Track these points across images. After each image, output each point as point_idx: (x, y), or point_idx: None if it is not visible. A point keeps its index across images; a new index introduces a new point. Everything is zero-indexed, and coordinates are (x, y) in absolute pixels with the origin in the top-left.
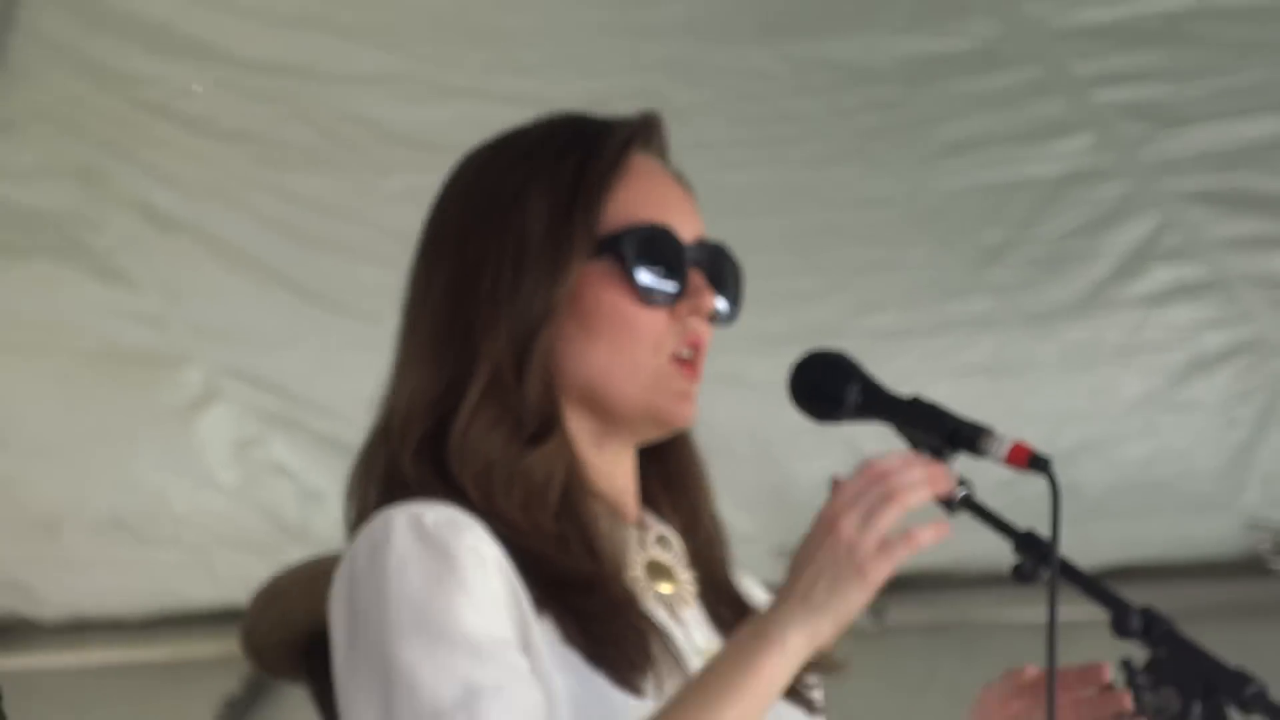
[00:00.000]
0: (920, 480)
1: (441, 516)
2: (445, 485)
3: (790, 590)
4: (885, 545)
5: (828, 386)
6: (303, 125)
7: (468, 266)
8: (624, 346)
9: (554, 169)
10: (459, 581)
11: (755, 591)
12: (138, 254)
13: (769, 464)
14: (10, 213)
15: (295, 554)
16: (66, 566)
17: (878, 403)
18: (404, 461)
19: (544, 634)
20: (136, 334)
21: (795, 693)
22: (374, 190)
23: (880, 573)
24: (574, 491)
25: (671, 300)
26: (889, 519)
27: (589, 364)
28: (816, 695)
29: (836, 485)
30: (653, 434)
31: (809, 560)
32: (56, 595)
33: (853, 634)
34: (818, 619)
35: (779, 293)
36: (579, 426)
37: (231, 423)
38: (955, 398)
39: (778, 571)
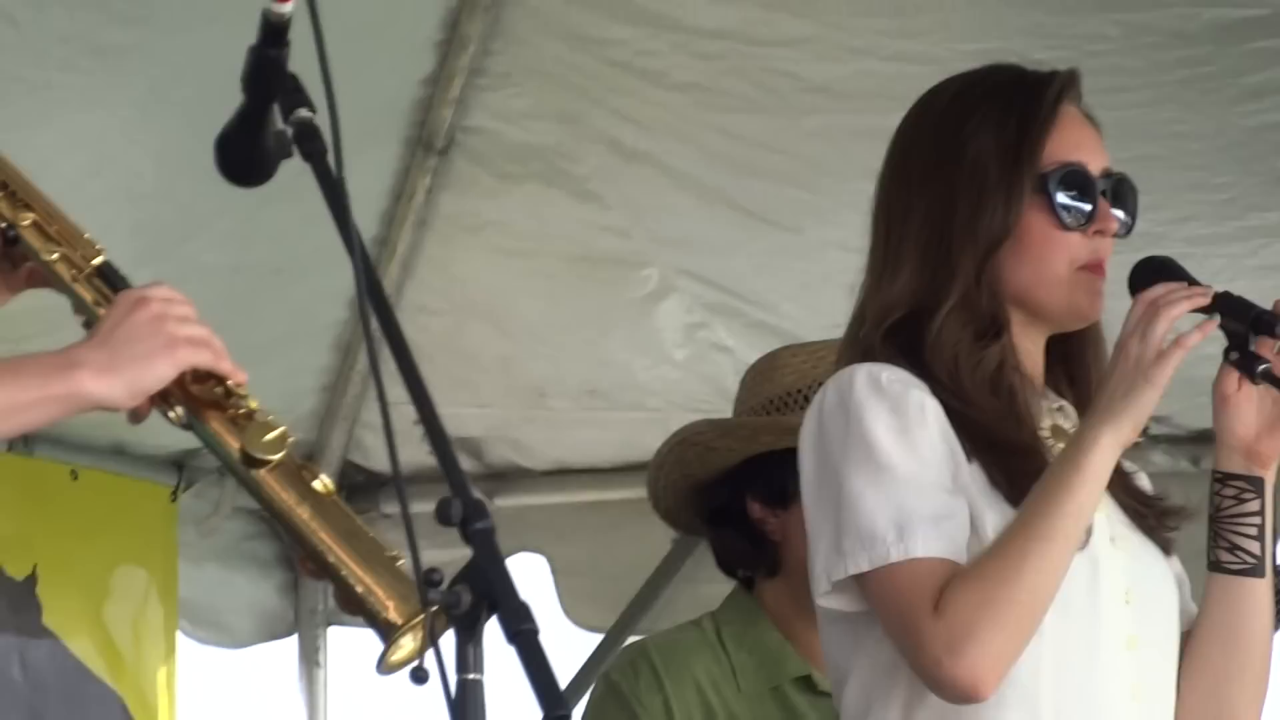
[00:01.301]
0: (1179, 297)
1: (895, 375)
2: (907, 362)
3: (1096, 405)
4: (1162, 353)
5: (1159, 283)
6: (738, 79)
7: (943, 197)
8: (1048, 261)
9: (1002, 117)
10: (906, 428)
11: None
12: (608, 180)
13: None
14: (508, 147)
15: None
16: (552, 426)
17: None
18: (874, 340)
19: (973, 476)
20: (607, 242)
21: (1158, 530)
22: (794, 128)
23: (1163, 375)
24: (1011, 373)
25: (1084, 224)
26: (1160, 331)
27: (1024, 276)
28: (1172, 535)
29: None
30: (1071, 325)
31: (1108, 378)
32: (544, 449)
33: (1178, 477)
34: (1120, 420)
35: None
36: (1015, 318)
37: (683, 312)
38: (1254, 291)
39: None
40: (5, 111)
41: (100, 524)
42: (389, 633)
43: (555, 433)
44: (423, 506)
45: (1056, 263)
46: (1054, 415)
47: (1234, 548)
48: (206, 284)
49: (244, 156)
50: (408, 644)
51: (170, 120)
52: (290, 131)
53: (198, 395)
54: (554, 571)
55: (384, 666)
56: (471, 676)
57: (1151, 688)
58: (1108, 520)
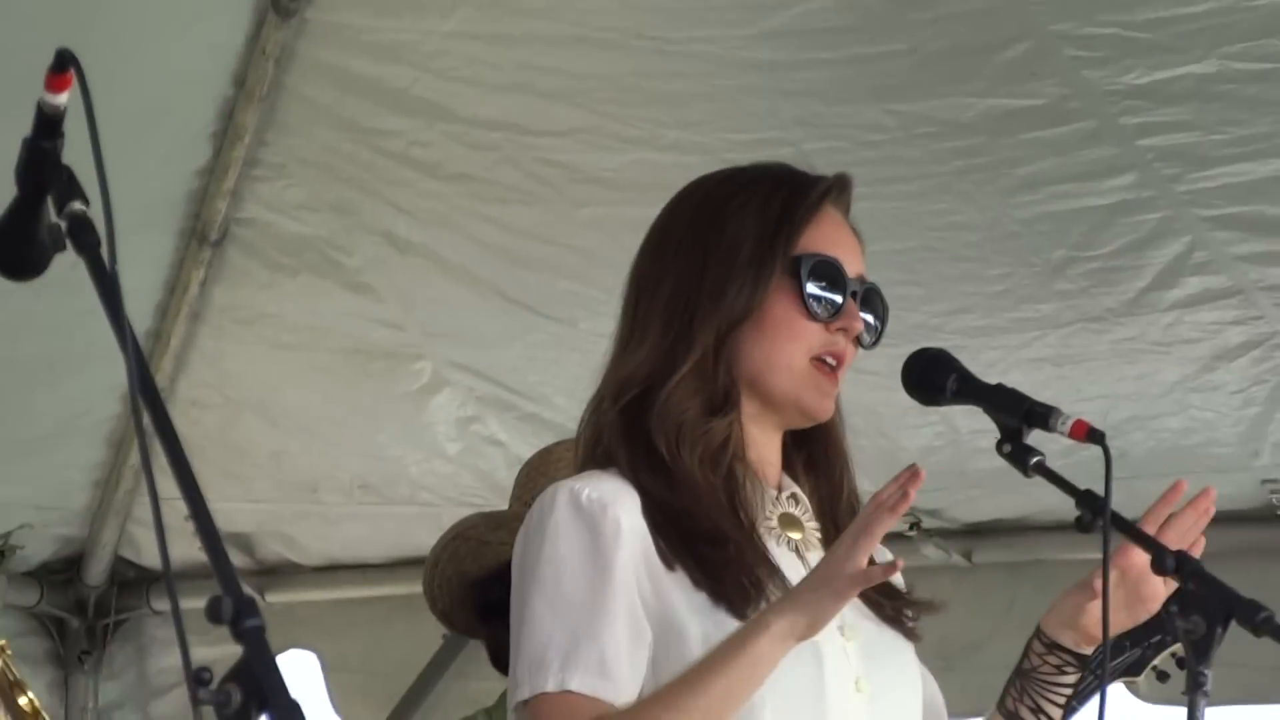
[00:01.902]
0: (887, 522)
1: (597, 492)
2: (630, 440)
3: (790, 592)
4: (860, 572)
5: (931, 377)
6: (512, 169)
7: (693, 269)
8: (784, 346)
9: (765, 203)
10: (598, 554)
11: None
12: (381, 271)
13: (881, 436)
14: (281, 238)
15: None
16: (323, 521)
17: (970, 389)
18: (610, 417)
19: (676, 583)
20: (380, 335)
21: (897, 620)
22: (568, 219)
23: (853, 593)
24: (734, 456)
25: (828, 317)
26: (868, 548)
27: (758, 357)
28: (914, 625)
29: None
30: (798, 422)
31: (813, 571)
32: (315, 544)
33: (949, 571)
34: (798, 615)
35: (889, 299)
36: (747, 405)
37: (455, 405)
38: (1028, 383)
39: None
40: None
41: None
42: None
43: (326, 528)
44: (194, 603)
45: (792, 350)
46: (785, 504)
47: (1038, 710)
48: None
49: (17, 250)
50: None
51: None
52: (64, 225)
53: None
54: (325, 668)
55: None
56: None
57: None
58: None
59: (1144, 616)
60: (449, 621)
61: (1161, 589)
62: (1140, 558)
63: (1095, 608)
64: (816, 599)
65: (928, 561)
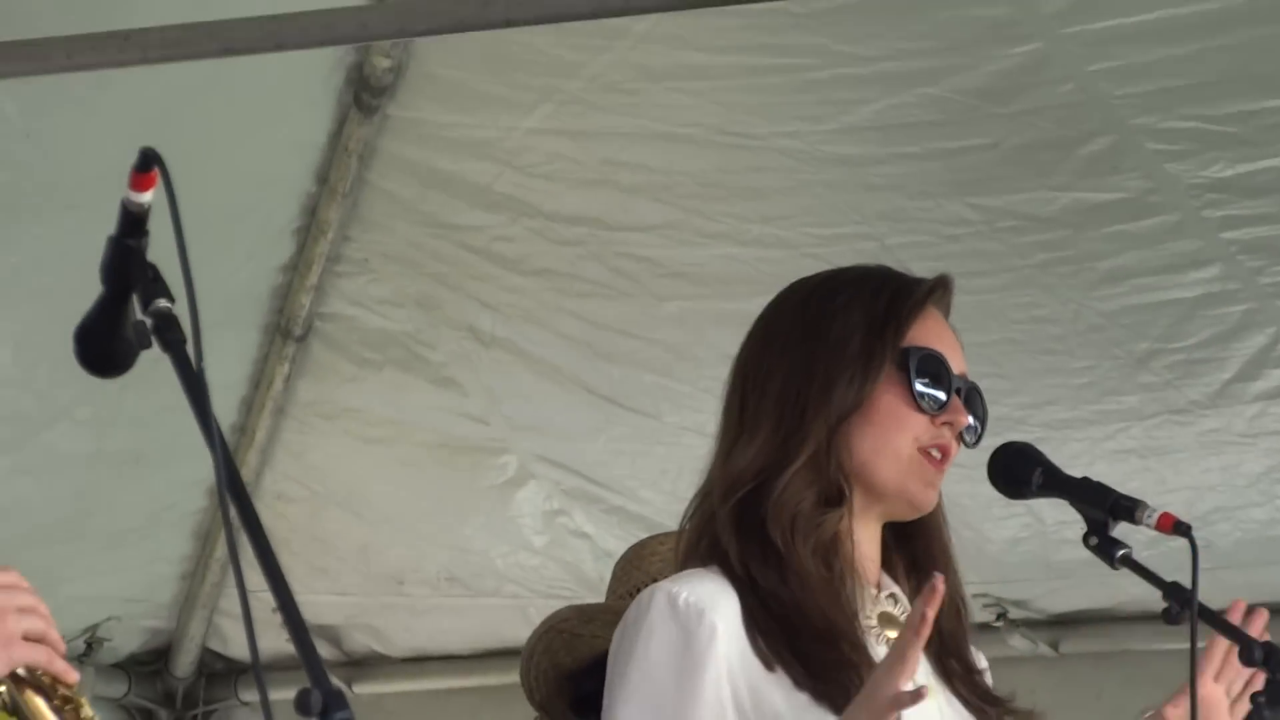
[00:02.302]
0: (915, 644)
1: (693, 596)
2: (741, 534)
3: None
4: (892, 697)
5: (1016, 470)
6: (596, 263)
7: (802, 365)
8: (893, 437)
9: (872, 299)
10: (690, 664)
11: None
12: (466, 366)
13: (966, 529)
14: (366, 333)
15: (593, 602)
16: (410, 613)
17: (1055, 482)
18: (721, 512)
19: (776, 683)
20: (465, 429)
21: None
22: (652, 314)
23: (886, 694)
24: (840, 549)
25: (935, 411)
26: (900, 676)
27: (867, 447)
28: None
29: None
30: (903, 513)
31: (859, 700)
32: (402, 636)
33: (1036, 661)
34: None
35: None
36: (853, 499)
37: (541, 498)
38: (1113, 475)
39: (974, 613)
40: None
41: None
42: None
43: (413, 620)
44: (282, 694)
45: (901, 440)
46: (884, 603)
47: None
48: (66, 472)
49: (103, 348)
50: None
51: (29, 308)
52: (149, 322)
53: (27, 681)
54: None
55: None
56: None
57: None
58: (941, 717)
59: None
60: (546, 713)
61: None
62: (1212, 688)
63: None
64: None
65: (1015, 652)
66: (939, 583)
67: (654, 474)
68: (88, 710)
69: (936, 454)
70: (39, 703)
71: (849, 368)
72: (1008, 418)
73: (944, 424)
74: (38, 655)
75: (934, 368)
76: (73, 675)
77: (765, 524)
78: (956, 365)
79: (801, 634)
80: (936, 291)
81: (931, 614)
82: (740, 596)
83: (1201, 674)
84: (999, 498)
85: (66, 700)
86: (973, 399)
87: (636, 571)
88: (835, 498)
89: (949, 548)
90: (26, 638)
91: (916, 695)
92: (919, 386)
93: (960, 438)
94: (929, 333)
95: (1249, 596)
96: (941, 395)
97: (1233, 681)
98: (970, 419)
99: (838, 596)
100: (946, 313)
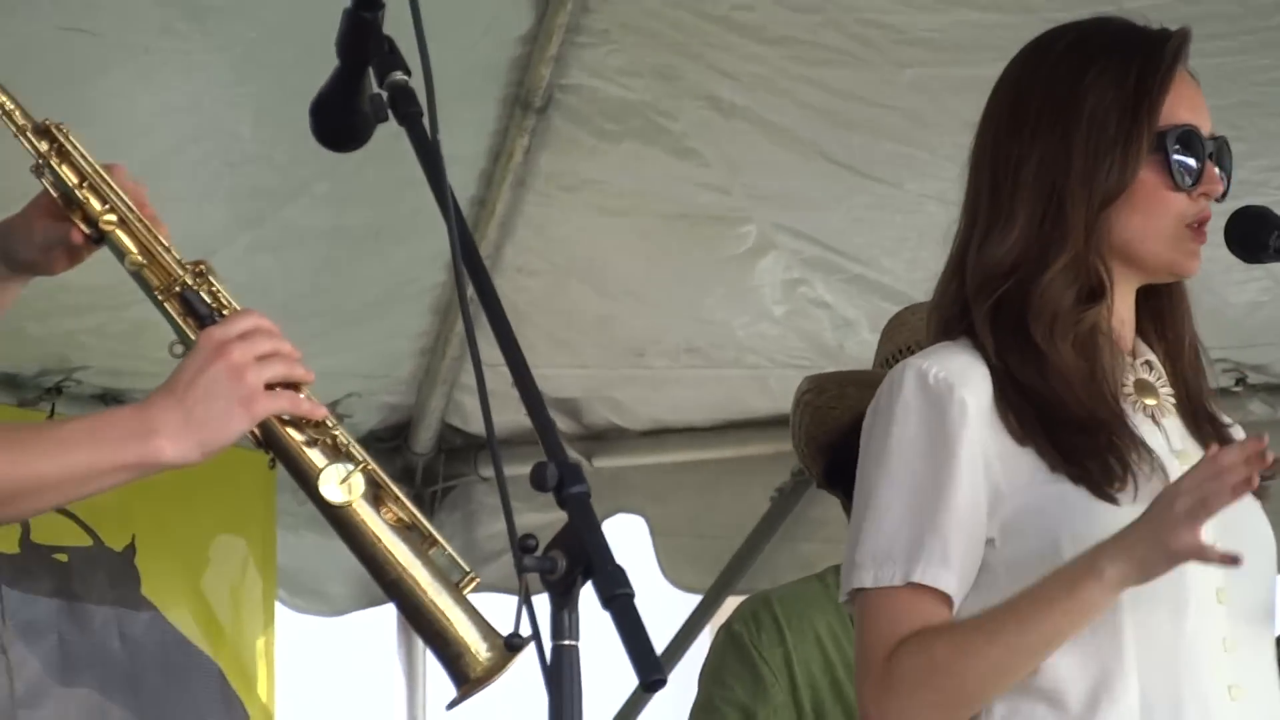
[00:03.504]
0: (1234, 487)
1: (943, 372)
2: (998, 329)
3: (1122, 535)
4: (1196, 543)
5: (1255, 234)
6: (835, 31)
7: (1059, 148)
8: (1157, 221)
9: (1122, 72)
10: (945, 440)
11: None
12: (705, 136)
13: (1206, 293)
14: (606, 104)
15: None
16: (651, 385)
17: None
18: (976, 309)
19: (1029, 462)
20: (705, 199)
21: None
22: (892, 81)
23: (1184, 558)
24: (1101, 337)
25: (1192, 185)
26: (1208, 514)
27: (1133, 229)
28: (1269, 485)
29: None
30: (1165, 279)
31: (1145, 516)
32: (642, 409)
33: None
34: (1130, 568)
35: None
36: (1115, 277)
37: (781, 268)
38: None
39: (1214, 379)
40: (105, 79)
41: (198, 493)
42: (461, 682)
43: (653, 392)
44: (520, 469)
45: (1166, 220)
46: (1139, 370)
47: None
48: (305, 248)
49: (339, 122)
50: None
51: (266, 83)
52: (385, 95)
53: (279, 430)
54: (652, 533)
55: (458, 696)
56: (567, 642)
57: (1250, 688)
58: None
59: None
60: (810, 474)
61: None
62: None
63: None
64: (1152, 557)
65: (1254, 417)
66: (1264, 441)
67: (894, 242)
68: (343, 437)
69: (1196, 224)
70: (291, 434)
71: (1108, 152)
72: (1247, 181)
73: (1201, 195)
74: (280, 403)
75: (1189, 142)
76: (320, 411)
77: (1024, 321)
78: (1205, 126)
79: (1062, 424)
80: (1182, 50)
81: (1255, 476)
82: (993, 375)
83: None
84: (1238, 262)
85: (319, 428)
86: (1221, 155)
87: (887, 344)
88: (1098, 293)
89: (1188, 303)
90: (269, 386)
91: (1229, 558)
92: (1177, 164)
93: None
94: (1181, 102)
95: None
96: (1198, 168)
97: None
98: (1224, 184)
99: (1100, 386)
100: (1187, 63)
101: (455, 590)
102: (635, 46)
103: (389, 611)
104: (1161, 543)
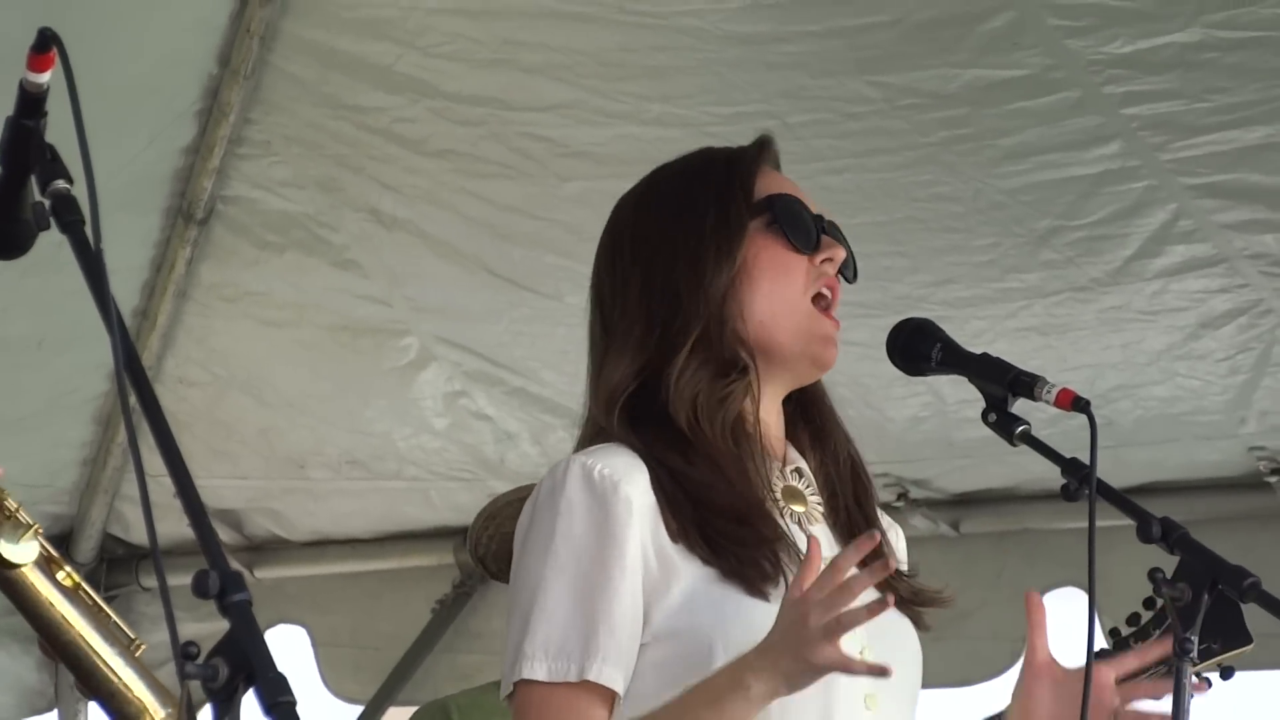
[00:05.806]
0: (870, 607)
1: (608, 469)
2: (639, 430)
3: (768, 649)
4: (838, 657)
5: (916, 346)
6: (496, 144)
7: (661, 258)
8: (781, 289)
9: (706, 175)
10: (611, 534)
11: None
12: (367, 248)
13: (868, 407)
14: (268, 215)
15: (494, 484)
16: (312, 496)
17: (955, 359)
18: (611, 425)
19: (685, 558)
20: (366, 311)
21: (901, 604)
22: (553, 194)
23: (826, 671)
24: (746, 423)
25: (812, 248)
26: (843, 631)
27: (761, 305)
28: (920, 612)
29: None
30: (806, 375)
31: (781, 629)
32: (304, 520)
33: (937, 541)
34: (775, 678)
35: (873, 271)
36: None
37: (442, 380)
38: (1015, 353)
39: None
40: None
41: None
42: None
43: (315, 503)
44: (183, 579)
45: (790, 288)
46: (789, 477)
47: None
48: None
49: (1, 229)
50: None
51: None
52: (48, 204)
53: None
54: (314, 643)
55: None
56: None
57: None
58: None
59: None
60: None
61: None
62: (1044, 655)
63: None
64: (795, 670)
65: (916, 532)
66: (875, 535)
67: (555, 355)
68: (11, 503)
69: (827, 294)
70: None
71: (712, 239)
72: (908, 296)
73: (824, 261)
74: None
75: (794, 208)
76: None
77: (666, 414)
78: (812, 206)
79: (713, 513)
80: (765, 148)
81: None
82: (650, 470)
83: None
84: (900, 377)
85: None
86: (835, 233)
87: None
88: (735, 367)
89: (836, 415)
90: None
91: (878, 668)
92: (788, 225)
93: (840, 274)
94: (774, 183)
95: (1148, 475)
96: (813, 232)
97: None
98: (845, 251)
99: (747, 473)
100: (778, 165)
101: (129, 653)
102: (298, 158)
103: None
104: (802, 658)
